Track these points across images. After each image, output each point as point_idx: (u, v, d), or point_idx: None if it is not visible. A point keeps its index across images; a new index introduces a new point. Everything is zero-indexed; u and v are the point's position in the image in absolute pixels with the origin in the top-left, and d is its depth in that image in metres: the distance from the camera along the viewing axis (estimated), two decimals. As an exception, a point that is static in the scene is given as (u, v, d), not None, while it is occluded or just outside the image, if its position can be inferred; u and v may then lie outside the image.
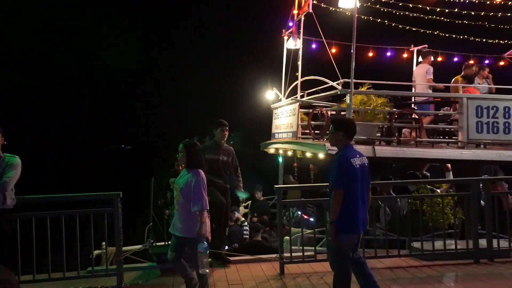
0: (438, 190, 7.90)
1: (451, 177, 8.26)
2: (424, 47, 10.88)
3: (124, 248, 5.25)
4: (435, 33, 11.03)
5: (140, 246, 5.92)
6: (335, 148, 3.91)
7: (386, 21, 10.24)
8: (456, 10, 10.32)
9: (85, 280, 4.81)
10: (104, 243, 5.36)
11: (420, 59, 9.00)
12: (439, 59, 11.35)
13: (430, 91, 8.15)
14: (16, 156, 4.19)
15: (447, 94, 7.99)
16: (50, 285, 4.71)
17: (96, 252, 5.70)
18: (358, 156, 3.72)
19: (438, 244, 5.46)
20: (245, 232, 7.93)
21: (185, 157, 4.12)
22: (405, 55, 11.32)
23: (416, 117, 6.96)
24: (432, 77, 8.02)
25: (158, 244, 5.64)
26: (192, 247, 4.00)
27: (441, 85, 8.17)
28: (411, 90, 9.08)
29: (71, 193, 4.97)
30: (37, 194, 4.82)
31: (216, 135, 5.74)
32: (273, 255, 5.60)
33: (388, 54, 11.56)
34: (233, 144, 6.31)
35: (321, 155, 6.58)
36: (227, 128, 5.73)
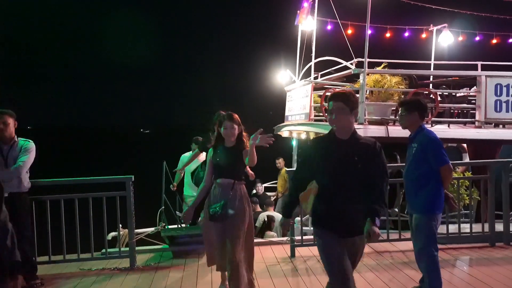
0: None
1: (467, 159, 8.05)
2: (444, 26, 10.53)
3: (137, 231, 5.33)
4: (455, 11, 10.62)
5: (152, 229, 6.01)
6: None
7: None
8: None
9: (99, 261, 4.91)
10: (120, 225, 5.45)
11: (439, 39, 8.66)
12: (460, 38, 10.96)
13: None
14: (30, 141, 4.25)
15: (465, 72, 7.69)
16: (65, 266, 4.83)
17: (112, 234, 5.81)
18: None
19: (453, 228, 5.35)
20: None
21: None
22: (423, 35, 10.98)
23: (432, 96, 6.78)
24: None
25: (170, 227, 5.71)
26: None
27: None
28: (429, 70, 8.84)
29: (87, 177, 5.02)
30: (55, 178, 4.87)
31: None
32: (284, 238, 5.60)
33: (406, 34, 11.23)
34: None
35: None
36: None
